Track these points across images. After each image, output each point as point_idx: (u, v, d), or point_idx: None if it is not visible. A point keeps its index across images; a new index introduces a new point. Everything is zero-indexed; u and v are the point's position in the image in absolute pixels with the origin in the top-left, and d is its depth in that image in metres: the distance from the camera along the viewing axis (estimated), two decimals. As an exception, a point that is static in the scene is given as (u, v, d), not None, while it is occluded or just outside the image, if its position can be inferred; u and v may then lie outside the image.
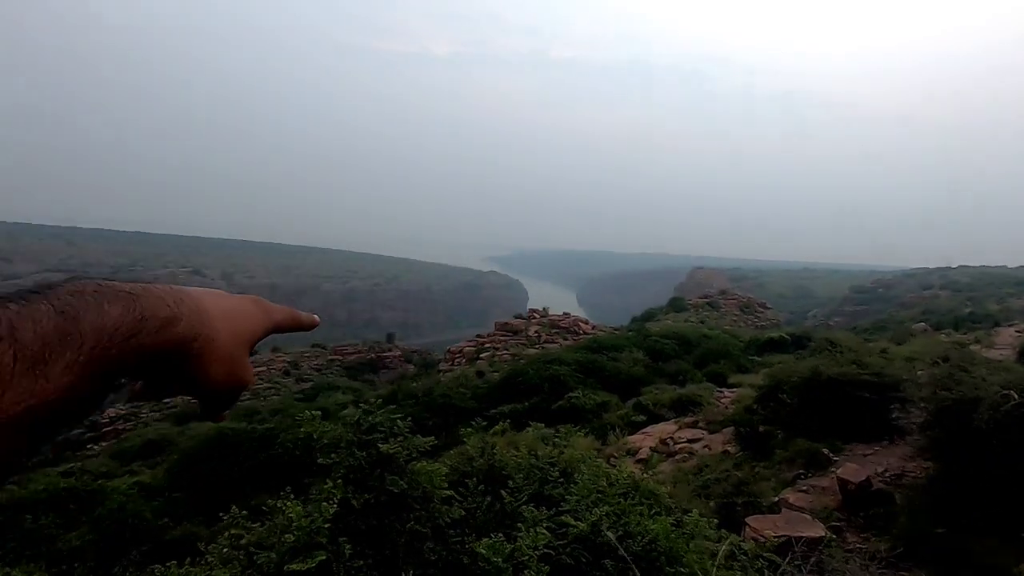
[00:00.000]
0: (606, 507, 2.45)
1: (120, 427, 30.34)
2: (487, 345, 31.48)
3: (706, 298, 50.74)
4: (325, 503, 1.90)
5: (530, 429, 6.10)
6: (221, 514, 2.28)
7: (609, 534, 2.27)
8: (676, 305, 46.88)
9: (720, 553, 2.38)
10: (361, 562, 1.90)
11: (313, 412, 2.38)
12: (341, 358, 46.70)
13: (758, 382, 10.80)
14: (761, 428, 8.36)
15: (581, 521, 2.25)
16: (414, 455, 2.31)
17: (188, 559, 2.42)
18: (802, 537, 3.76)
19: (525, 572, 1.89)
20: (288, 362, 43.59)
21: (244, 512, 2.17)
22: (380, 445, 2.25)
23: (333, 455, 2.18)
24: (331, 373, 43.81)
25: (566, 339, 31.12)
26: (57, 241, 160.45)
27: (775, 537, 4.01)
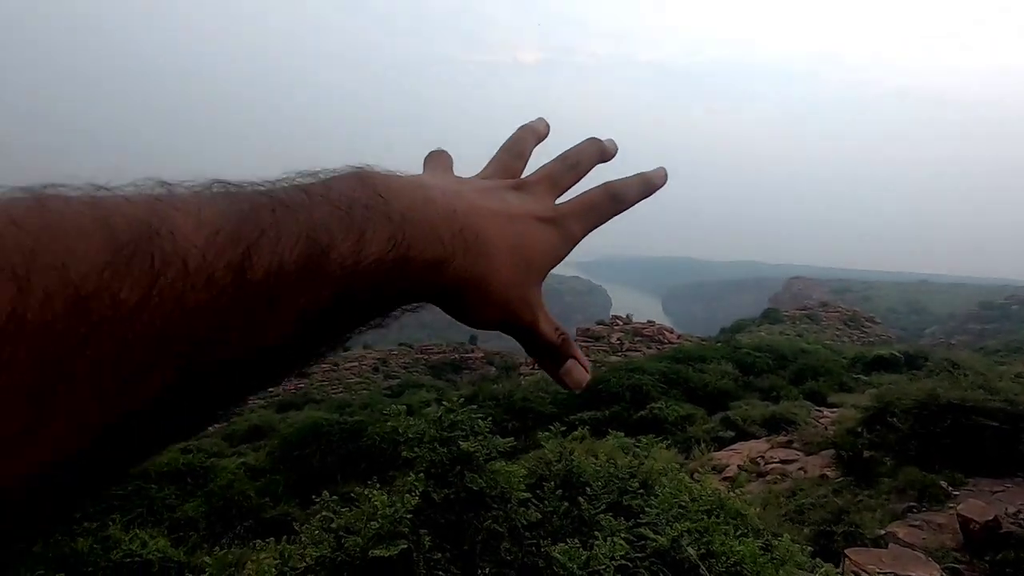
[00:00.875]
0: (688, 523, 2.36)
1: (231, 411, 33.20)
2: (568, 351, 31.32)
3: (804, 310, 47.40)
4: (408, 495, 1.98)
5: (610, 437, 6.00)
6: (313, 497, 2.45)
7: (690, 550, 2.18)
8: (770, 317, 44.22)
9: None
10: (439, 555, 1.96)
11: (399, 407, 2.49)
12: (426, 357, 48.41)
13: (863, 403, 9.91)
14: (866, 453, 7.67)
15: (661, 535, 2.18)
16: (493, 455, 2.35)
17: (284, 537, 2.61)
18: (913, 576, 3.40)
19: (601, 581, 1.87)
20: (378, 359, 45.80)
21: (334, 497, 2.31)
22: (461, 443, 2.31)
23: (416, 449, 2.27)
24: (416, 371, 45.54)
25: (649, 348, 30.29)
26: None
27: (880, 573, 3.67)
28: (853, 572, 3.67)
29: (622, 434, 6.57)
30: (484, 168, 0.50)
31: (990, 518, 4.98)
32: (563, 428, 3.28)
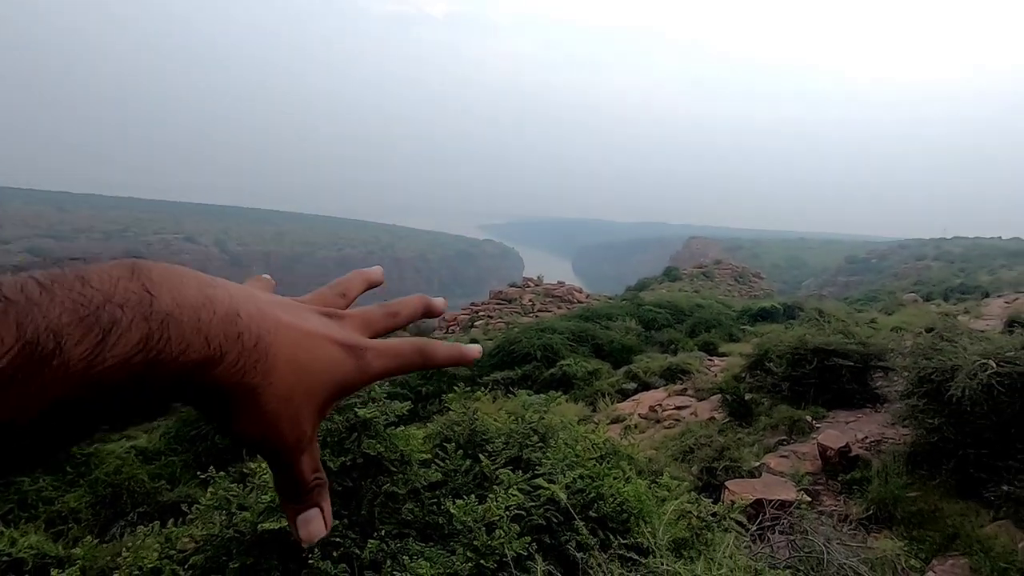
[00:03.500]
0: (580, 470, 2.50)
1: (116, 393, 30.62)
2: (481, 313, 31.62)
3: (701, 268, 50.87)
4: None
5: (520, 395, 6.19)
6: (199, 474, 2.33)
7: (561, 494, 2.32)
8: (671, 274, 47.05)
9: (670, 508, 2.44)
10: (336, 522, 1.95)
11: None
12: (336, 325, 46.93)
13: (747, 351, 10.93)
14: (747, 396, 8.51)
15: (554, 484, 2.30)
16: (392, 420, 2.34)
17: (171, 520, 2.47)
18: (775, 500, 3.87)
19: (496, 532, 1.95)
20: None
21: (221, 474, 2.21)
22: (358, 410, 2.28)
23: (310, 419, 2.21)
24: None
25: (560, 308, 31.27)
26: (47, 206, 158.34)
27: (752, 500, 4.13)
28: (730, 501, 4.10)
29: (528, 392, 6.80)
30: (302, 297, 0.47)
31: (842, 444, 5.75)
32: (469, 389, 3.32)
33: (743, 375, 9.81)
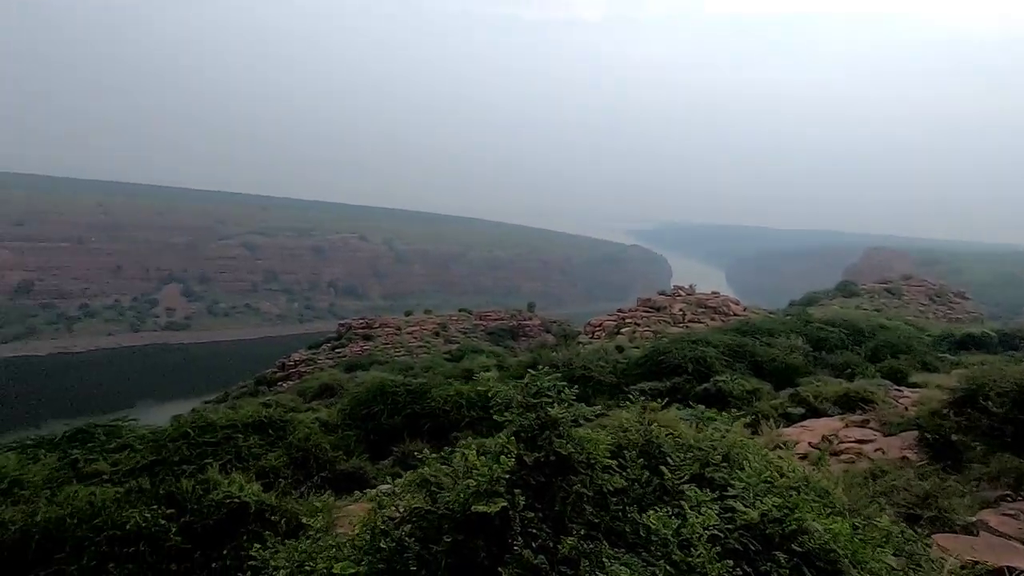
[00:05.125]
0: (776, 498, 2.33)
1: (303, 370, 35.25)
2: (628, 320, 30.98)
3: (885, 283, 44.47)
4: (503, 456, 2.07)
5: (674, 408, 5.95)
6: (393, 449, 2.59)
7: (779, 528, 2.17)
8: (845, 289, 41.83)
9: (888, 557, 2.16)
10: (532, 514, 2.04)
11: (487, 375, 2.57)
12: (485, 324, 49.23)
13: (950, 384, 9.29)
14: (954, 437, 7.24)
15: (750, 509, 2.17)
16: (580, 422, 2.39)
17: (356, 492, 2.78)
18: (1016, 569, 3.22)
19: (693, 550, 1.89)
20: (438, 324, 47.00)
21: (433, 455, 2.44)
22: (549, 409, 2.37)
23: (506, 413, 2.35)
24: (475, 336, 46.47)
25: (713, 320, 29.49)
26: (254, 208, 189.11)
27: (972, 563, 3.51)
28: (941, 559, 3.52)
29: (680, 406, 6.50)
30: None
31: (1100, 512, 4.62)
32: (641, 398, 3.28)
33: (946, 412, 8.35)
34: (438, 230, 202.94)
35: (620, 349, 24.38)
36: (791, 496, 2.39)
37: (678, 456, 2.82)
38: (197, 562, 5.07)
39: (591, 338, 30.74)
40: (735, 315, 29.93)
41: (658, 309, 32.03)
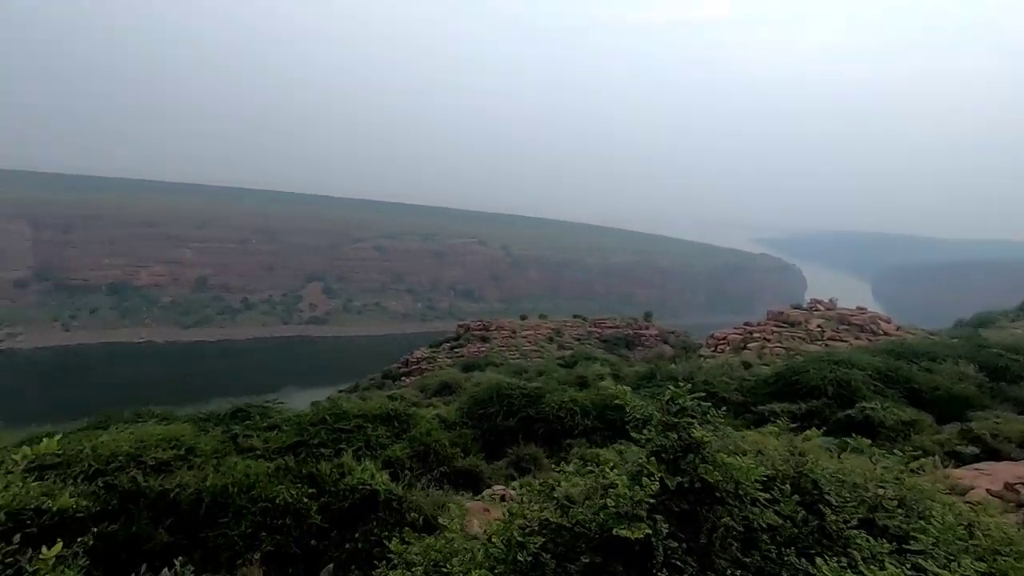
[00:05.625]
0: (979, 563, 1.94)
1: (424, 367, 37.21)
2: (756, 335, 28.80)
3: (1087, 305, 37.07)
4: (646, 479, 1.94)
5: (811, 433, 5.34)
6: (507, 449, 2.54)
7: None
8: (1031, 310, 35.45)
9: None
10: (676, 544, 1.89)
11: (623, 388, 2.44)
12: (599, 331, 48.59)
13: None
14: None
15: (945, 571, 1.83)
16: (729, 446, 2.18)
17: (469, 494, 2.76)
18: None
19: (874, 613, 1.62)
20: (552, 329, 47.22)
21: (571, 467, 2.37)
22: (693, 431, 2.18)
23: (644, 431, 2.20)
24: (589, 344, 45.99)
25: (858, 339, 26.44)
26: (382, 215, 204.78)
27: None
28: None
29: (819, 432, 5.79)
30: None
31: None
32: (793, 424, 2.95)
33: None
34: (553, 236, 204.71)
35: (747, 365, 22.70)
36: (998, 561, 1.98)
37: (839, 495, 2.48)
38: (334, 540, 5.48)
39: (714, 351, 28.99)
40: (886, 334, 26.57)
41: (792, 324, 29.38)
